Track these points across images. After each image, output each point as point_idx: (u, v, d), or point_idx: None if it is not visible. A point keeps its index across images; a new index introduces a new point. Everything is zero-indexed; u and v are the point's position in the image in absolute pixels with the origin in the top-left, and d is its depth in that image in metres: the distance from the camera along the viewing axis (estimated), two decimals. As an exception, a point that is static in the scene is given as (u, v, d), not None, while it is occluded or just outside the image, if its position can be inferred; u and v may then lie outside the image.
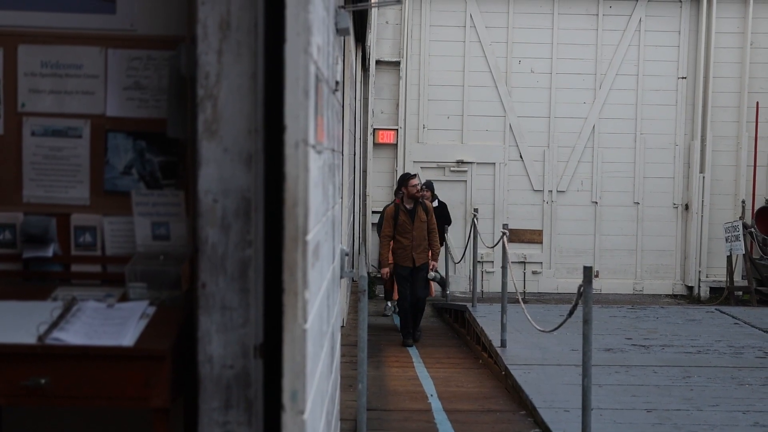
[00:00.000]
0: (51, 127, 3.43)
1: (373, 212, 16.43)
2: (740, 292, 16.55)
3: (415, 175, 13.15)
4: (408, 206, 12.32)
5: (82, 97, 3.42)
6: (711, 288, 17.10)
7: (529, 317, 9.28)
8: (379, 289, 16.31)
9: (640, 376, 9.46)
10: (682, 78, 17.15)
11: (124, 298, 3.31)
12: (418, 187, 12.42)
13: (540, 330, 8.87)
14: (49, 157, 3.43)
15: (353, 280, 13.86)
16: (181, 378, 3.11)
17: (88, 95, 3.42)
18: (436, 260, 12.80)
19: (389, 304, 14.79)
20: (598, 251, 17.31)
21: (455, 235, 16.49)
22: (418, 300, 12.54)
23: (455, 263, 16.02)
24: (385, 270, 12.79)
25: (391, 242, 12.44)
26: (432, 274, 12.69)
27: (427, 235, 12.40)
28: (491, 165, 17.15)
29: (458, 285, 17.04)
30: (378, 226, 15.06)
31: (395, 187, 14.20)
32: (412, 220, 12.25)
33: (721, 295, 16.65)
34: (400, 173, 16.57)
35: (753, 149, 17.02)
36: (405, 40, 16.90)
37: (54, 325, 3.07)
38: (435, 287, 13.98)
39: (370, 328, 11.16)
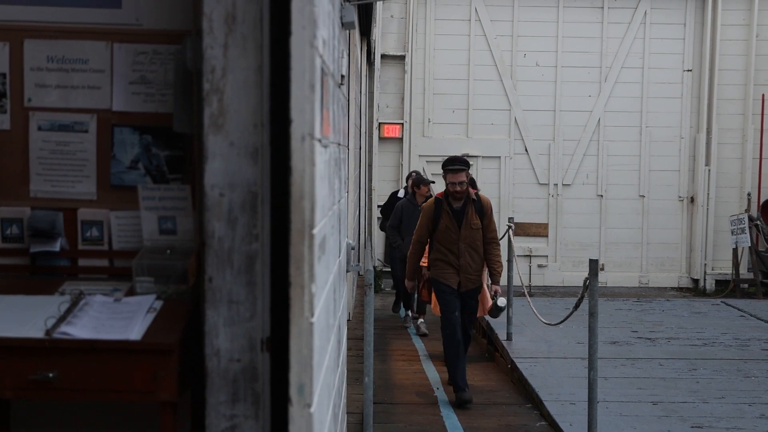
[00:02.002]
0: (57, 122, 3.44)
1: (378, 206, 16.43)
2: (746, 285, 16.53)
3: (428, 182, 12.31)
4: (455, 204, 8.61)
5: (88, 91, 3.42)
6: (717, 281, 17.09)
7: (534, 310, 9.29)
8: (386, 283, 16.30)
9: (646, 369, 9.46)
10: (688, 71, 17.11)
11: (131, 292, 3.32)
12: (457, 187, 8.57)
13: (546, 323, 8.87)
14: (55, 151, 3.44)
15: (359, 274, 13.88)
16: (189, 372, 3.12)
17: (94, 90, 3.43)
18: (498, 282, 8.84)
19: (411, 315, 12.91)
20: (604, 244, 17.29)
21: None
22: (463, 333, 8.76)
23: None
24: (410, 284, 9.37)
25: (425, 250, 9.03)
26: (500, 301, 8.98)
27: (485, 249, 8.69)
28: (497, 159, 17.13)
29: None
30: (383, 213, 14.11)
31: (408, 181, 13.02)
32: (460, 226, 8.57)
33: (726, 288, 16.63)
34: (405, 167, 16.58)
35: (759, 142, 16.99)
36: (410, 34, 16.88)
37: (61, 320, 3.08)
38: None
39: (376, 322, 11.18)
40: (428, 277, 9.09)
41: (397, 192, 14.07)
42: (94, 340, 3.02)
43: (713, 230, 17.11)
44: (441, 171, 8.90)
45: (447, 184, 8.65)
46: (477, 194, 8.67)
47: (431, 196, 10.69)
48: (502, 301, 8.90)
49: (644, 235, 17.27)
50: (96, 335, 3.04)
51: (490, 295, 8.94)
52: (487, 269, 8.90)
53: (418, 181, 12.35)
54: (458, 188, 8.48)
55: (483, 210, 8.57)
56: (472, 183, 9.70)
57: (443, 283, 8.59)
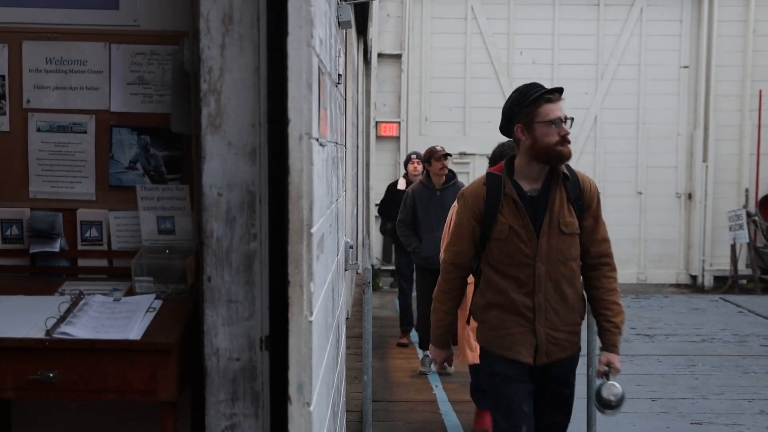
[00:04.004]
0: (56, 123, 3.45)
1: (376, 205, 16.42)
2: (744, 281, 16.54)
3: (446, 154, 8.77)
4: (529, 186, 4.29)
5: (86, 92, 3.44)
6: (715, 277, 17.09)
7: (533, 308, 9.26)
8: (384, 282, 16.30)
9: (645, 365, 9.48)
10: (685, 67, 17.11)
11: (130, 292, 3.33)
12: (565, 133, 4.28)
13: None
14: (54, 152, 3.46)
15: (357, 273, 13.89)
16: (188, 371, 3.13)
17: (92, 91, 3.44)
18: (616, 349, 4.39)
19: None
20: (602, 241, 17.26)
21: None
22: None
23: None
24: (440, 356, 4.66)
25: (465, 285, 4.57)
26: (607, 389, 4.38)
27: (589, 275, 4.47)
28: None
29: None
30: (382, 212, 11.25)
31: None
32: (538, 228, 4.25)
33: (725, 284, 16.65)
34: (402, 166, 16.56)
35: (756, 138, 16.99)
36: (406, 33, 16.87)
37: (61, 320, 3.09)
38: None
39: (375, 320, 11.18)
40: (472, 355, 6.03)
41: (395, 183, 11.13)
42: (93, 340, 3.03)
43: (711, 226, 17.12)
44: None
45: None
46: (569, 168, 4.35)
47: (453, 176, 8.87)
48: (611, 392, 4.36)
49: (642, 232, 17.27)
50: (96, 335, 3.05)
51: (598, 371, 4.46)
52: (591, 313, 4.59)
53: (430, 154, 8.90)
54: (563, 135, 4.18)
55: (583, 196, 4.30)
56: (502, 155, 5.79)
57: (502, 357, 4.32)
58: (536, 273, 4.24)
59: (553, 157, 4.19)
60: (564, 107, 4.23)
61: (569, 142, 4.19)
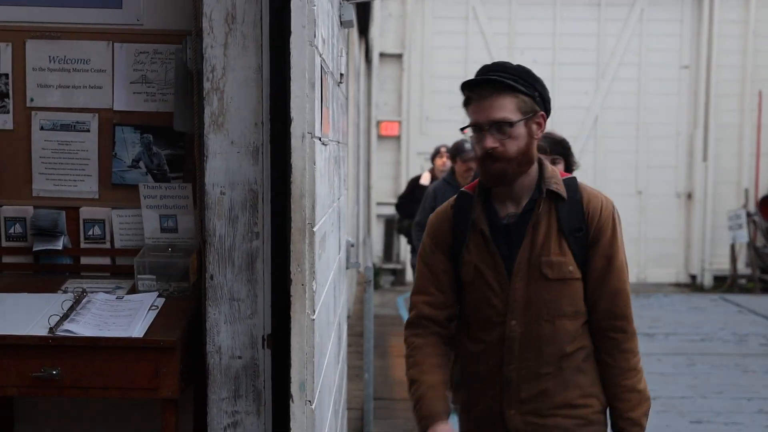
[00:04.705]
0: (59, 122, 3.47)
1: (378, 203, 16.43)
2: (744, 280, 16.55)
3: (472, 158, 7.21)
4: (503, 212, 3.07)
5: (89, 91, 3.45)
6: (715, 276, 17.09)
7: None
8: (385, 280, 16.31)
9: (645, 364, 9.38)
10: (685, 67, 17.11)
11: (133, 290, 3.34)
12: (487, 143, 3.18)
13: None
14: (57, 151, 3.47)
15: (359, 271, 13.90)
16: (190, 369, 3.15)
17: (95, 89, 3.46)
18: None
19: None
20: (602, 241, 17.25)
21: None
22: None
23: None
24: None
25: (446, 341, 3.18)
26: None
27: (601, 346, 3.10)
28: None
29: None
30: (401, 209, 10.11)
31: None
32: (510, 266, 3.03)
33: (724, 284, 16.64)
34: (403, 165, 16.59)
35: (756, 137, 16.99)
36: (408, 33, 16.89)
37: (64, 317, 3.10)
38: None
39: (376, 319, 11.18)
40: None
41: (418, 177, 10.27)
42: (96, 338, 3.04)
43: (711, 226, 17.11)
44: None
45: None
46: (572, 183, 3.09)
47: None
48: None
49: (642, 231, 17.27)
50: (99, 333, 3.06)
51: None
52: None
53: (457, 150, 7.92)
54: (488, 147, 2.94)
55: (587, 225, 3.04)
56: (563, 152, 4.82)
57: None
58: (506, 335, 3.00)
59: (481, 176, 3.07)
60: (502, 106, 2.90)
61: (497, 158, 2.90)
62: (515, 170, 2.95)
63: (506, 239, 3.02)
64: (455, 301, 3.15)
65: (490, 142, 2.90)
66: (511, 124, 2.89)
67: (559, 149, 4.76)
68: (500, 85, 2.91)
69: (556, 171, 3.07)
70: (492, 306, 3.03)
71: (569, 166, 4.73)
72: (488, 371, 3.05)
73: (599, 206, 3.01)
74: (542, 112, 2.99)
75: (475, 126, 2.95)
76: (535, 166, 3.02)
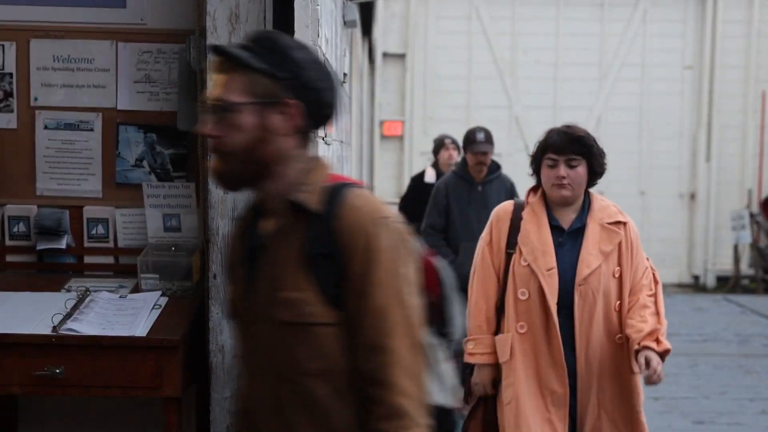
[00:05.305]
0: (63, 121, 3.48)
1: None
2: (747, 281, 16.54)
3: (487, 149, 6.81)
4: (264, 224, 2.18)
5: (93, 90, 3.46)
6: (717, 277, 17.07)
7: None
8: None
9: (647, 365, 9.48)
10: (688, 67, 17.10)
11: (136, 289, 3.35)
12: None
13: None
14: (61, 150, 3.48)
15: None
16: (193, 367, 3.15)
17: (99, 89, 3.47)
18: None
19: None
20: (605, 241, 17.24)
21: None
22: None
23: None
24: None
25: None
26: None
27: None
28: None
29: (465, 276, 17.01)
30: (405, 209, 7.91)
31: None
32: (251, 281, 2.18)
33: (727, 284, 16.63)
34: (406, 165, 16.59)
35: (759, 138, 16.97)
36: (411, 32, 16.89)
37: (68, 316, 3.11)
38: None
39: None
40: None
41: (421, 175, 8.62)
42: (100, 337, 3.05)
43: (714, 226, 17.10)
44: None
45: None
46: (336, 192, 2.14)
47: (497, 167, 6.91)
48: None
49: (645, 232, 17.19)
50: (102, 331, 3.07)
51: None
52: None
53: (467, 140, 6.93)
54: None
55: (340, 248, 2.08)
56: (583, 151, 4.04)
57: None
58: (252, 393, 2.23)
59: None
60: (227, 84, 2.11)
61: (217, 150, 2.13)
62: (240, 171, 2.13)
63: (250, 259, 2.21)
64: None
65: (209, 128, 2.12)
66: (230, 108, 2.08)
67: (577, 147, 3.92)
68: (232, 57, 2.11)
69: (321, 172, 2.19)
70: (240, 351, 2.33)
71: (593, 170, 3.90)
72: None
73: (356, 222, 2.07)
74: (293, 101, 2.10)
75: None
76: (296, 167, 2.15)
